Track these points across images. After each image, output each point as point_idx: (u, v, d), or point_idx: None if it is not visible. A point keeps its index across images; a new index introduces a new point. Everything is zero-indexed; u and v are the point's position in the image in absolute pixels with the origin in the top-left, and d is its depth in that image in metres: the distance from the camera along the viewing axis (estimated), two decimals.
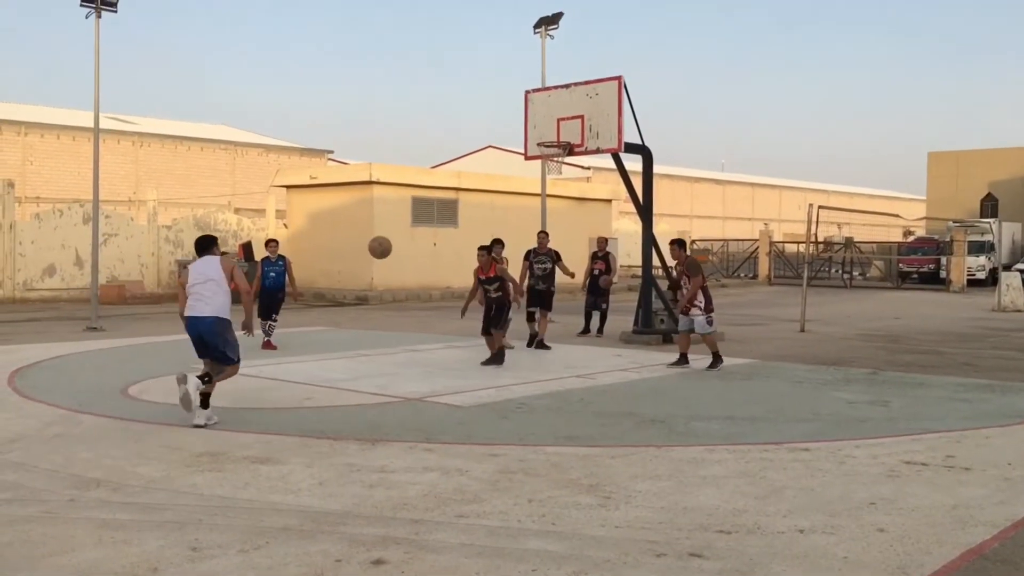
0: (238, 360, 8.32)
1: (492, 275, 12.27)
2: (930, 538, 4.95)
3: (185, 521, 5.17)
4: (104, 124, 33.65)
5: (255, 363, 12.08)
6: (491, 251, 12.42)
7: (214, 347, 8.13)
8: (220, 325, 8.10)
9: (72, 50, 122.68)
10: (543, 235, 14.79)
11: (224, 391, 9.79)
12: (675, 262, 12.76)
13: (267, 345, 13.70)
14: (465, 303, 13.07)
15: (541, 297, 14.12)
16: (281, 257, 14.41)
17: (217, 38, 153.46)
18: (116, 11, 17.43)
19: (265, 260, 14.31)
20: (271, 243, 14.72)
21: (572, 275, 14.91)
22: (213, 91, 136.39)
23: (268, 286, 14.14)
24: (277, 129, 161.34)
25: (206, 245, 8.48)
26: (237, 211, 34.32)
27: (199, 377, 7.86)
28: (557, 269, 14.37)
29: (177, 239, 27.89)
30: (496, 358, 11.92)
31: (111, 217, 26.64)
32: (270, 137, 50.47)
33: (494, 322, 12.17)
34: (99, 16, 17.30)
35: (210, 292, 8.07)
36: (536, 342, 13.87)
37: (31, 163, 37.21)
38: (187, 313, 8.17)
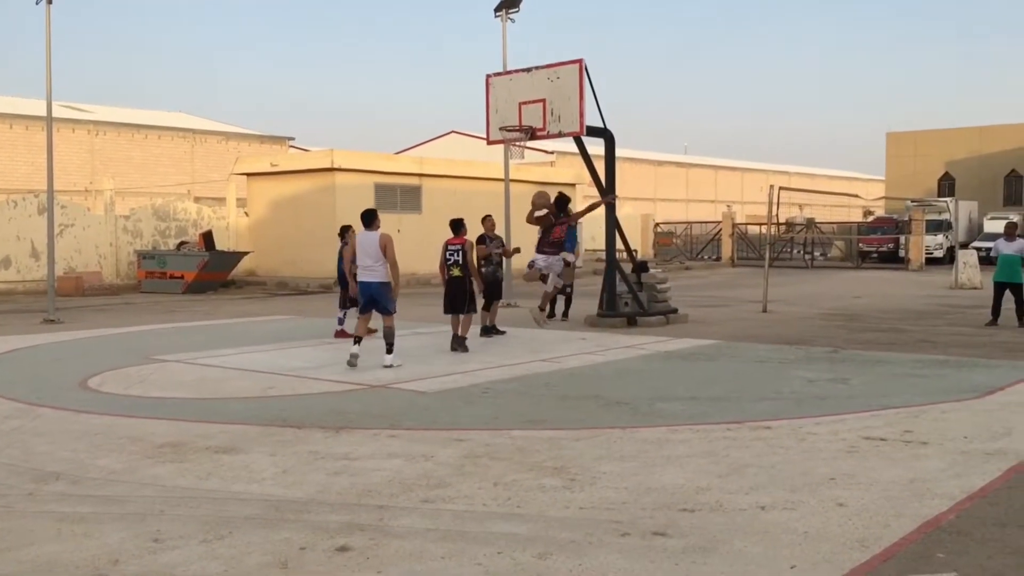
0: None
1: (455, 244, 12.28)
2: (888, 511, 5.03)
3: (146, 512, 5.12)
4: (58, 113, 33.01)
5: (218, 352, 11.97)
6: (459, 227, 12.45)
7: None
8: (385, 288, 10.58)
9: (23, 37, 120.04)
10: (490, 219, 13.87)
11: (183, 382, 9.73)
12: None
13: (345, 334, 13.30)
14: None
15: (499, 285, 13.78)
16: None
17: (174, 24, 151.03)
18: None
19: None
20: (349, 229, 13.99)
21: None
22: (170, 78, 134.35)
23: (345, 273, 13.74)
24: (237, 116, 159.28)
25: (370, 219, 10.60)
26: (197, 200, 33.86)
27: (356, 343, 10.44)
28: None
29: (135, 229, 27.48)
30: (462, 343, 11.99)
31: (67, 207, 26.17)
32: (230, 124, 49.82)
33: (459, 302, 12.09)
34: (50, 2, 16.94)
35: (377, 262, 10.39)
36: (489, 329, 13.53)
37: None
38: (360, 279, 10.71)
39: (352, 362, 10.35)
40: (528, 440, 6.81)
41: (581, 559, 4.36)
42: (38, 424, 7.55)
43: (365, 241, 10.61)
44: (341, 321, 13.74)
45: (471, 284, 12.24)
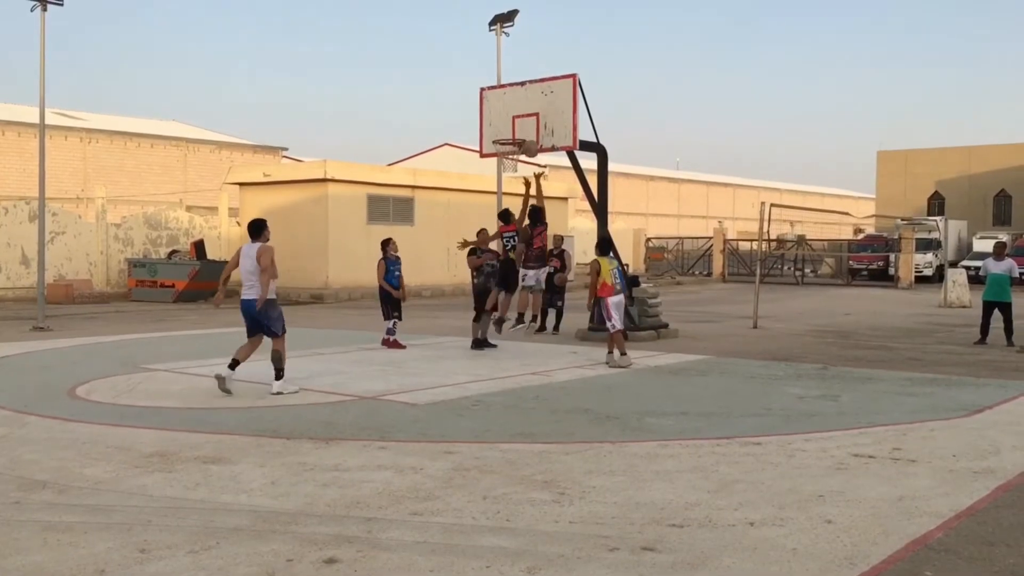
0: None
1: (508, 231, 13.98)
2: (876, 529, 5.04)
3: (133, 522, 5.09)
4: (51, 120, 32.99)
5: (208, 362, 11.93)
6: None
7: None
8: (267, 306, 9.47)
9: (17, 44, 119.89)
10: (484, 232, 14.32)
11: (172, 391, 9.69)
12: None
13: (395, 344, 13.48)
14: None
15: (485, 295, 13.83)
16: (398, 257, 13.93)
17: (168, 33, 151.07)
18: (62, 4, 17.09)
19: (388, 259, 13.71)
20: (391, 242, 14.02)
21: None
22: (164, 87, 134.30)
23: (397, 284, 13.71)
24: (230, 126, 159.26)
25: (257, 230, 9.72)
26: (189, 209, 33.80)
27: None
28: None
29: (127, 237, 27.42)
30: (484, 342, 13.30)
31: (58, 215, 26.10)
32: (223, 134, 49.80)
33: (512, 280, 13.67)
34: (44, 9, 16.95)
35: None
36: (481, 342, 13.64)
37: None
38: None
39: (222, 387, 9.22)
40: (518, 453, 6.80)
41: (570, 574, 4.35)
42: (25, 432, 7.51)
43: (246, 254, 9.49)
44: (391, 331, 13.70)
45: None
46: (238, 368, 9.49)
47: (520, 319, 14.29)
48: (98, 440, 7.21)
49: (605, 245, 12.31)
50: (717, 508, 5.41)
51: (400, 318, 13.89)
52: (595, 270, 11.92)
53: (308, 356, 12.73)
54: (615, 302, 11.86)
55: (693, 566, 4.46)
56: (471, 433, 7.59)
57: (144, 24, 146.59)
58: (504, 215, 14.48)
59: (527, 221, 14.27)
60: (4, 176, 36.57)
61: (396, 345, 13.57)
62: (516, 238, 14.04)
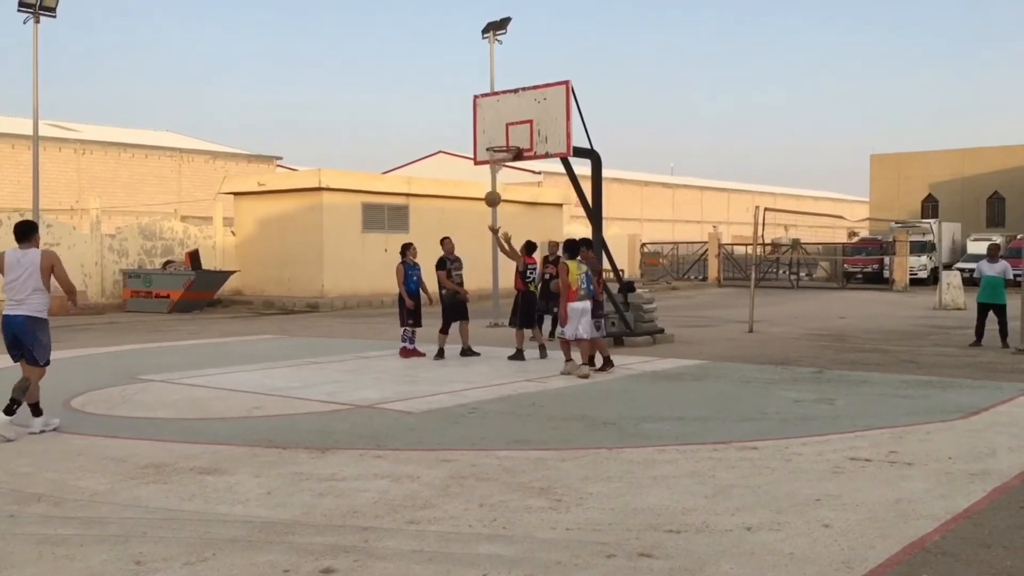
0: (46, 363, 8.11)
1: (531, 263, 14.04)
2: (873, 532, 5.04)
3: (129, 534, 5.07)
4: (44, 131, 32.94)
5: (204, 372, 11.91)
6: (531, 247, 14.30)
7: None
8: (36, 326, 8.00)
9: (10, 56, 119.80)
10: (448, 240, 13.85)
11: (168, 402, 9.66)
12: (557, 259, 13.06)
13: (412, 353, 13.42)
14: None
15: (463, 306, 13.65)
16: (417, 263, 13.76)
17: (162, 43, 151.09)
18: (55, 16, 17.08)
19: (407, 264, 13.56)
20: (411, 248, 13.86)
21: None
22: (158, 98, 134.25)
23: (414, 290, 13.55)
24: (225, 136, 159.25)
25: (26, 233, 8.08)
26: (184, 219, 33.75)
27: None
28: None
29: (122, 248, 27.37)
30: (521, 355, 13.14)
31: (53, 226, 26.05)
32: (217, 144, 49.76)
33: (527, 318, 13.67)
34: (37, 21, 16.95)
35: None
36: (464, 350, 13.60)
37: None
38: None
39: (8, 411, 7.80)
40: (514, 461, 6.79)
41: None
42: (20, 445, 7.49)
43: (16, 261, 7.95)
44: (410, 340, 13.57)
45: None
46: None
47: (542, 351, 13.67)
48: (93, 452, 7.18)
49: (574, 248, 11.75)
50: (714, 513, 5.41)
51: (418, 324, 13.52)
52: (564, 272, 11.45)
53: (304, 365, 12.70)
54: (576, 308, 11.28)
55: (691, 572, 4.45)
56: (467, 441, 7.58)
57: (138, 35, 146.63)
58: (528, 247, 14.39)
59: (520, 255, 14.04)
60: None
61: (415, 354, 13.39)
62: (536, 271, 14.08)
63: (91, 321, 21.70)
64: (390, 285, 27.49)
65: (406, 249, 13.83)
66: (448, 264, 13.53)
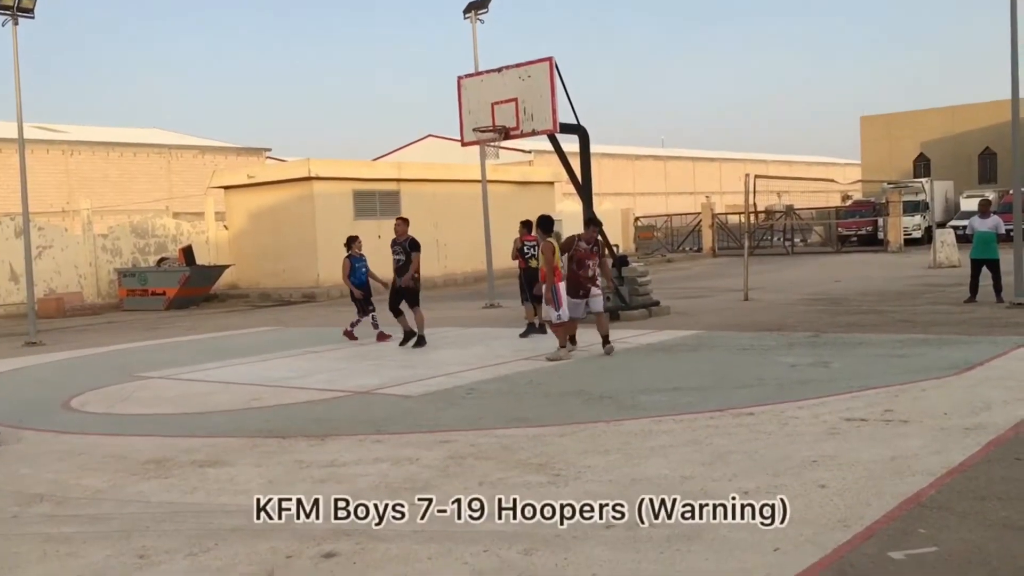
0: None
1: (530, 240, 13.59)
2: (869, 490, 5.08)
3: (132, 529, 5.10)
4: (31, 134, 32.78)
5: (202, 367, 11.94)
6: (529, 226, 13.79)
7: None
8: None
9: None
10: (399, 222, 13.23)
11: (166, 397, 9.70)
12: (579, 239, 12.65)
13: (383, 337, 13.86)
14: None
15: (399, 292, 13.04)
16: (363, 255, 14.29)
17: (146, 41, 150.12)
18: (33, 17, 16.96)
19: (352, 257, 14.03)
20: (356, 240, 14.31)
21: (415, 277, 13.02)
22: (144, 95, 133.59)
23: (362, 281, 14.03)
24: (212, 130, 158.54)
25: None
26: (175, 215, 33.71)
27: None
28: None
29: (115, 247, 27.33)
30: (532, 328, 13.18)
31: (44, 229, 26.00)
32: (205, 138, 49.59)
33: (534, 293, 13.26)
34: (16, 23, 16.82)
35: None
36: (407, 337, 12.97)
37: None
38: None
39: None
40: (512, 438, 6.83)
41: (567, 553, 4.38)
42: (21, 447, 7.52)
43: None
44: (354, 324, 14.15)
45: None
46: None
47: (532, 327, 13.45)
48: (94, 450, 7.22)
49: (548, 224, 11.40)
50: (712, 480, 5.45)
51: (372, 309, 14.03)
52: (550, 251, 10.89)
53: (302, 355, 12.74)
54: (565, 288, 10.98)
55: (689, 538, 4.50)
56: (465, 421, 7.62)
57: (121, 33, 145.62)
58: (527, 224, 13.98)
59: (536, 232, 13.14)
60: None
61: (383, 337, 13.82)
62: (537, 248, 13.33)
63: (88, 321, 21.71)
64: (383, 271, 27.60)
65: (351, 242, 14.20)
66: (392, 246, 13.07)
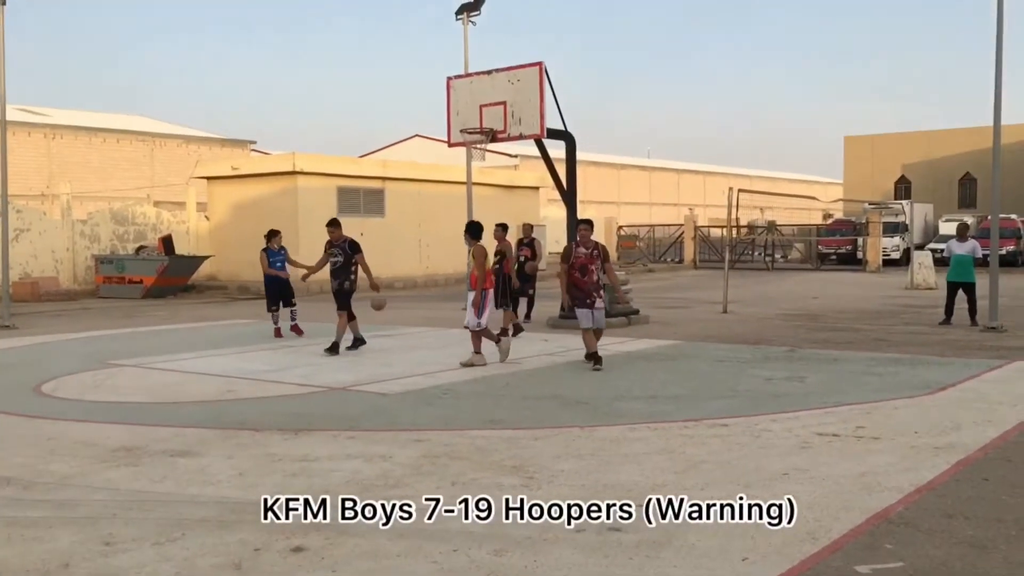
0: None
1: (498, 249, 13.58)
2: (838, 504, 5.12)
3: (99, 516, 5.06)
4: (13, 116, 32.45)
5: (177, 356, 11.86)
6: (505, 228, 14.18)
7: None
8: None
9: None
10: (332, 227, 12.36)
11: (142, 385, 9.62)
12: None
13: (295, 329, 14.12)
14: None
15: (337, 296, 12.32)
16: (283, 248, 14.55)
17: (135, 28, 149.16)
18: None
19: (269, 250, 14.28)
20: (276, 234, 14.58)
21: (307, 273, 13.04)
22: (130, 81, 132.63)
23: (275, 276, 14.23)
24: (197, 120, 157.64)
25: None
26: (157, 204, 33.44)
27: None
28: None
29: (93, 233, 27.07)
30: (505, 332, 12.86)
31: (23, 212, 25.72)
32: (190, 128, 49.29)
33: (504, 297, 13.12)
34: (3, 4, 16.66)
35: None
36: (331, 345, 11.97)
37: None
38: None
39: None
40: (487, 440, 6.83)
41: (536, 555, 4.39)
42: None
43: None
44: (276, 320, 14.37)
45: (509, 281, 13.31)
46: None
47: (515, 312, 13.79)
48: (64, 436, 7.15)
49: (477, 230, 10.97)
50: (684, 488, 5.47)
51: (288, 305, 14.25)
52: (483, 255, 10.75)
53: (278, 349, 12.67)
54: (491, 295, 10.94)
55: (658, 544, 4.51)
56: (441, 421, 7.61)
57: (110, 18, 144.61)
58: (504, 227, 14.42)
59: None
60: None
61: (297, 330, 14.10)
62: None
63: (63, 307, 21.49)
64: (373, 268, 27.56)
65: (271, 236, 14.45)
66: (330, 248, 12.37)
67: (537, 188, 34.61)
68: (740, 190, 21.69)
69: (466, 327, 11.01)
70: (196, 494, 5.50)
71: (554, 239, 35.05)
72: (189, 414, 8.07)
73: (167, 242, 25.26)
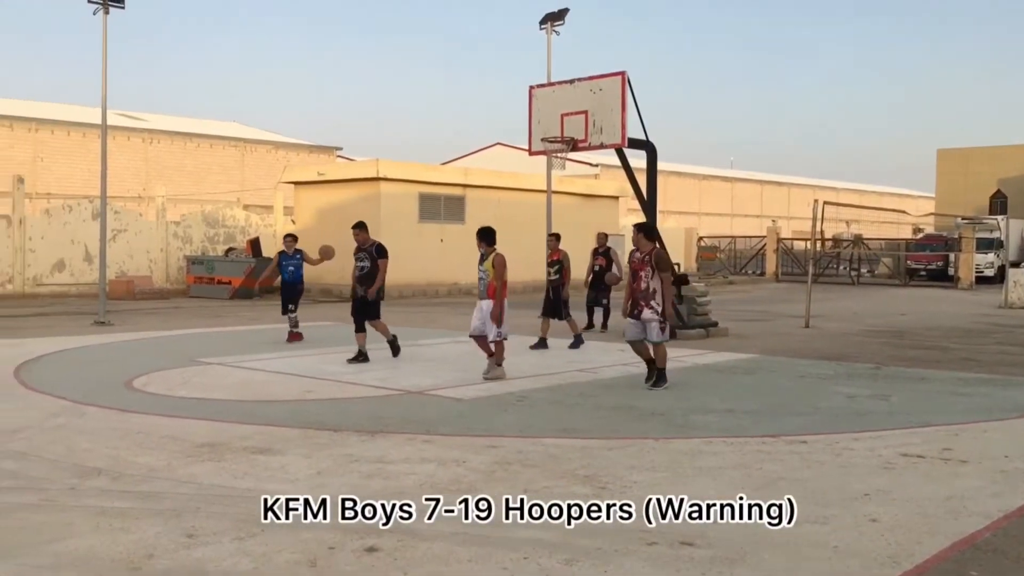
0: None
1: (555, 259, 14.02)
2: (922, 528, 4.96)
3: (183, 509, 5.23)
4: (113, 121, 33.84)
5: (260, 356, 12.17)
6: (558, 238, 14.46)
7: None
8: None
9: (84, 47, 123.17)
10: (358, 230, 12.14)
11: (224, 384, 9.90)
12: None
13: (293, 337, 14.06)
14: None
15: (363, 305, 11.81)
16: (298, 251, 14.55)
17: (227, 36, 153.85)
18: (123, 7, 17.52)
19: (282, 254, 14.44)
20: (289, 238, 14.81)
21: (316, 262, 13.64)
22: (224, 89, 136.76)
23: (287, 279, 14.33)
24: (287, 127, 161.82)
25: None
26: (246, 207, 34.41)
27: None
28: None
29: (186, 235, 28.01)
30: (543, 343, 13.33)
31: (120, 213, 26.77)
32: (279, 134, 50.59)
33: (553, 307, 13.70)
34: (107, 12, 17.39)
35: None
36: (359, 356, 11.68)
37: (42, 160, 37.40)
38: None
39: None
40: (560, 448, 6.83)
41: (607, 567, 4.37)
42: (83, 422, 7.74)
43: None
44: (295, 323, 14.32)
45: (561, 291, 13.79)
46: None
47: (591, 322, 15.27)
48: (152, 430, 7.40)
49: (490, 235, 10.63)
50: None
51: (294, 312, 14.21)
52: (504, 264, 10.37)
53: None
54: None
55: (732, 561, 4.44)
56: (514, 428, 7.64)
57: (204, 27, 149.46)
58: (557, 236, 14.58)
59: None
60: (70, 176, 37.61)
61: (298, 337, 14.06)
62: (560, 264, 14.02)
63: (156, 305, 22.27)
64: (444, 275, 27.86)
65: (285, 240, 14.67)
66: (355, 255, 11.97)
67: (617, 197, 34.46)
68: (826, 202, 21.25)
69: (471, 336, 10.49)
70: (275, 491, 5.62)
71: (631, 249, 34.76)
72: (270, 413, 8.27)
73: (255, 244, 25.98)
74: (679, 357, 12.32)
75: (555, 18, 21.41)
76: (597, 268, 16.14)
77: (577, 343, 13.48)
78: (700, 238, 45.54)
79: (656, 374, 9.76)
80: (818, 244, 35.68)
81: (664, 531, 4.88)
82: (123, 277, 25.39)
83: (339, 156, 48.29)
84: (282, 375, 10.54)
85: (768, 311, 21.52)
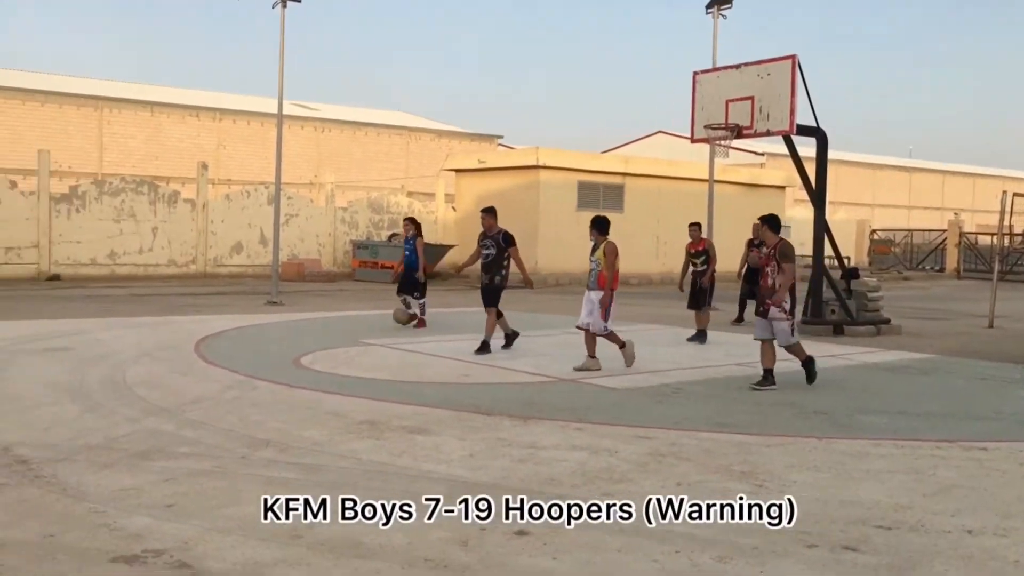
0: None
1: (700, 248, 13.67)
2: None
3: (343, 482, 5.41)
4: (288, 110, 35.54)
5: (419, 339, 12.49)
6: (700, 227, 14.13)
7: None
8: None
9: (259, 39, 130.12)
10: (486, 215, 11.96)
11: (385, 364, 10.21)
12: (761, 243, 11.87)
13: (419, 323, 14.16)
14: (680, 277, 14.48)
15: (486, 292, 11.62)
16: (414, 236, 14.37)
17: (394, 28, 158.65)
18: (300, 1, 18.32)
19: (405, 238, 14.66)
20: (406, 221, 14.85)
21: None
22: (390, 79, 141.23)
23: (406, 263, 14.49)
24: (449, 115, 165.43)
25: None
26: (409, 194, 35.43)
27: None
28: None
29: (352, 220, 29.11)
30: (701, 335, 12.94)
31: (292, 198, 28.12)
32: (442, 123, 51.76)
33: (699, 297, 13.38)
34: (284, 6, 18.24)
35: None
36: (510, 337, 11.81)
37: (224, 147, 39.76)
38: None
39: None
40: (716, 443, 6.64)
41: (763, 566, 4.20)
42: (255, 395, 8.17)
43: None
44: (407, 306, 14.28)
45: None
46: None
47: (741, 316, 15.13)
48: (317, 406, 7.72)
49: (604, 225, 10.43)
50: (931, 512, 5.04)
51: (415, 297, 14.22)
52: (615, 253, 10.23)
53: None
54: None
55: (900, 569, 4.18)
56: (669, 420, 7.49)
57: (375, 21, 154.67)
58: (698, 225, 14.24)
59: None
60: (248, 162, 39.82)
61: (420, 324, 14.05)
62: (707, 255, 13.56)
63: (323, 287, 23.29)
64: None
65: (405, 223, 14.76)
66: (480, 240, 11.82)
67: (783, 187, 33.31)
68: (1015, 194, 19.74)
69: (579, 327, 10.25)
70: (430, 470, 5.75)
71: (799, 241, 33.46)
72: (427, 394, 8.46)
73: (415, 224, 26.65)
74: (846, 354, 11.77)
75: (722, 2, 20.84)
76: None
77: (699, 338, 12.93)
78: (873, 231, 43.36)
79: (765, 375, 9.14)
80: (1006, 239, 33.22)
81: (825, 534, 4.65)
82: (294, 260, 26.67)
83: (500, 144, 48.93)
84: (440, 358, 10.77)
85: (947, 309, 20.23)
